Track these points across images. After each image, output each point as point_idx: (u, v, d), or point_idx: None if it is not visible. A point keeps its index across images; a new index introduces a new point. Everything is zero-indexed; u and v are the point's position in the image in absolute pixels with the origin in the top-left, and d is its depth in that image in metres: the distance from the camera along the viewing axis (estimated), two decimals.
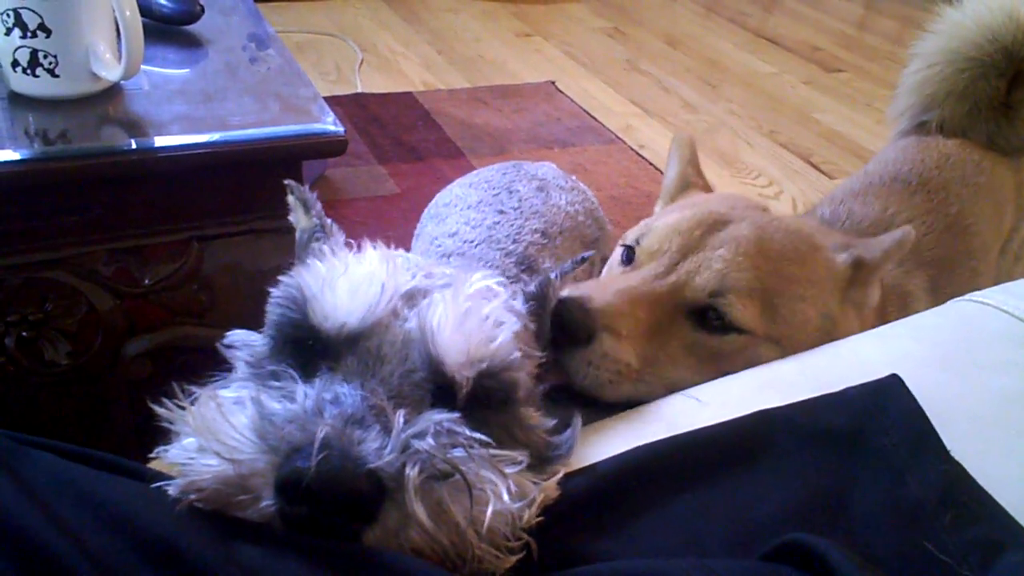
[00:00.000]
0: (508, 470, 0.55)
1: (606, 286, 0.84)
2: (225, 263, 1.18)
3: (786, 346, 0.84)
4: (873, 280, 0.92)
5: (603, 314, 0.80)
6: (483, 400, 0.61)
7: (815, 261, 0.89)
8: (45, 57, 1.05)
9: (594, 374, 0.79)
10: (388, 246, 0.70)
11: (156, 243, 1.14)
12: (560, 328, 0.78)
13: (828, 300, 0.88)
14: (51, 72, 1.07)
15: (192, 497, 0.49)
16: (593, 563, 0.53)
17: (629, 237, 0.94)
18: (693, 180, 1.10)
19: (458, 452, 0.53)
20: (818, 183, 2.84)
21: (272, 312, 0.66)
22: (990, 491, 0.58)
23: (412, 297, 0.62)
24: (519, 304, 0.70)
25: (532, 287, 0.75)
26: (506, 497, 0.53)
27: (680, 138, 1.14)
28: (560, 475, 0.60)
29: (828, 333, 0.86)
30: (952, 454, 0.60)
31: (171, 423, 0.55)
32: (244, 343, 0.66)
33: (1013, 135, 1.40)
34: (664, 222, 0.91)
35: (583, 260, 0.80)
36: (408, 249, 1.25)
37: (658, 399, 0.80)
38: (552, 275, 0.76)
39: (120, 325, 1.15)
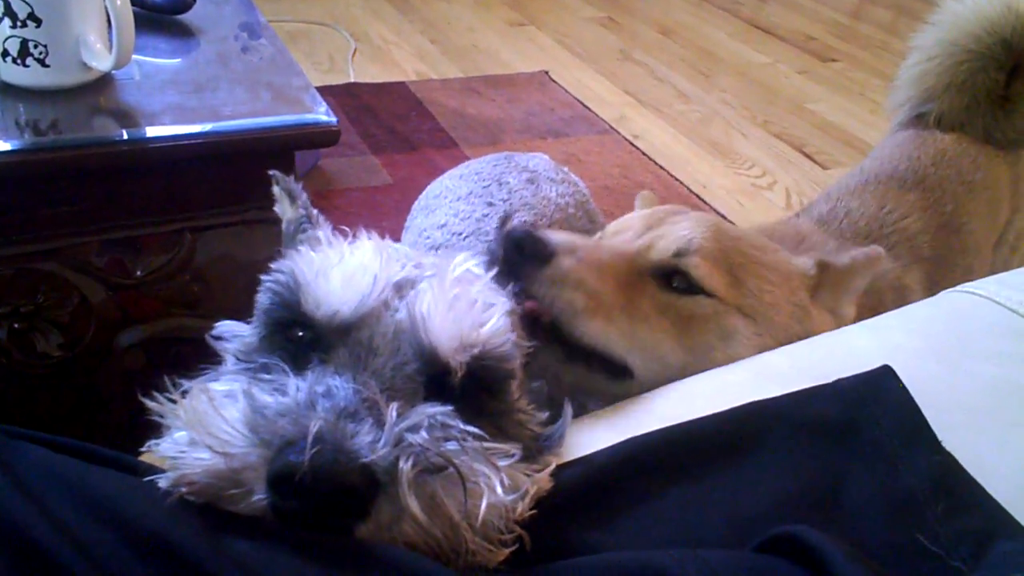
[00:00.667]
0: (501, 463, 0.55)
1: (569, 233, 0.86)
2: (218, 254, 1.18)
3: (760, 323, 0.84)
4: (843, 287, 0.92)
5: (562, 243, 0.81)
6: (478, 387, 0.61)
7: (775, 256, 0.90)
8: (35, 47, 1.05)
9: (565, 294, 0.78)
10: (382, 237, 0.70)
11: (148, 234, 1.13)
12: (518, 250, 0.77)
13: (796, 291, 0.88)
14: (41, 62, 1.06)
15: (183, 490, 0.49)
16: (587, 554, 0.54)
17: (595, 237, 0.96)
18: None
19: (451, 445, 0.53)
20: (812, 173, 2.84)
21: (263, 298, 0.65)
22: (982, 482, 0.59)
23: (402, 288, 0.62)
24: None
25: (487, 256, 0.75)
26: (499, 490, 0.53)
27: (643, 195, 1.18)
28: (553, 467, 0.60)
29: (802, 323, 0.86)
30: (944, 445, 0.61)
31: (162, 417, 0.55)
32: (233, 334, 0.66)
33: (1010, 128, 1.41)
34: (627, 215, 0.94)
35: (506, 219, 0.82)
36: (399, 240, 1.25)
37: (640, 367, 0.80)
38: (492, 241, 0.78)
39: (113, 316, 1.15)
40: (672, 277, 0.83)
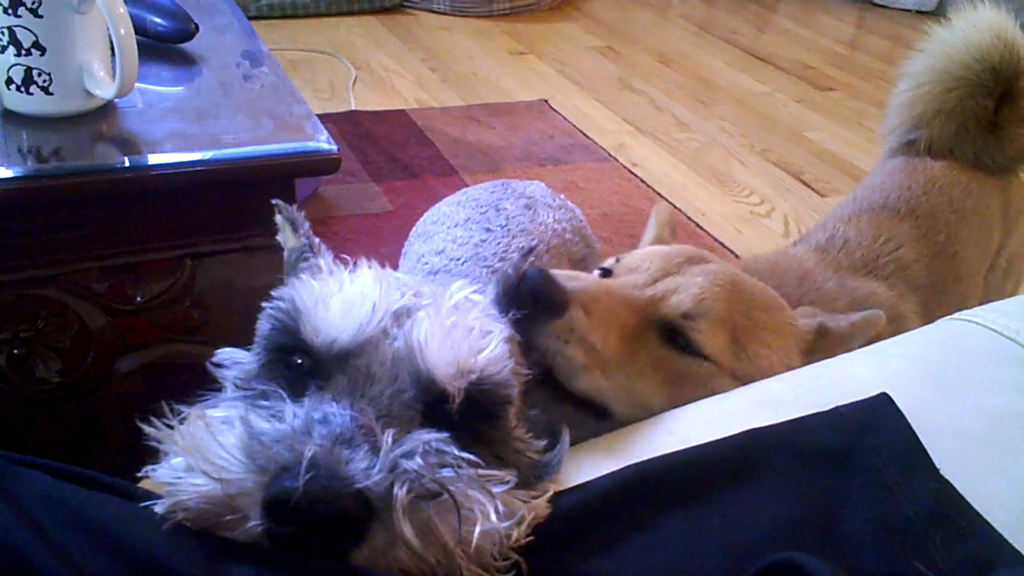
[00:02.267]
0: (496, 489, 0.55)
1: (584, 276, 0.85)
2: (218, 280, 1.18)
3: None
4: (838, 350, 0.91)
5: (576, 293, 0.80)
6: (475, 414, 0.61)
7: (781, 316, 0.91)
8: (39, 75, 1.06)
9: (567, 352, 0.78)
10: (382, 265, 0.70)
11: (149, 260, 1.14)
12: (532, 298, 0.76)
13: (792, 356, 0.89)
14: (45, 90, 1.07)
15: (179, 516, 0.49)
16: None
17: (608, 261, 0.95)
18: (667, 242, 1.12)
19: (446, 472, 0.53)
20: (810, 201, 2.85)
21: (263, 325, 0.66)
22: (980, 509, 0.59)
23: (400, 316, 0.62)
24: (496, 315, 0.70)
25: (496, 288, 0.75)
26: (494, 517, 0.53)
27: (659, 208, 1.16)
28: (550, 493, 0.60)
29: None
30: (942, 472, 0.61)
31: (159, 442, 0.55)
32: (233, 361, 0.66)
33: (999, 154, 1.41)
34: (645, 248, 0.92)
35: (530, 251, 0.81)
36: (397, 267, 1.25)
37: (623, 415, 0.80)
38: (509, 270, 0.77)
39: (112, 342, 1.15)
40: (676, 333, 0.83)
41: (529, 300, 0.76)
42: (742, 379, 0.84)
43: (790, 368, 0.87)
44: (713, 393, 0.82)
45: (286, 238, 0.79)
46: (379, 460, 0.50)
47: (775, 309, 0.91)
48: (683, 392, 0.82)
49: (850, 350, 0.91)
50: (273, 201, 0.79)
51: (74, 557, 0.42)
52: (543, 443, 0.66)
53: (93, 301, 1.12)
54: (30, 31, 1.03)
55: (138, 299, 1.14)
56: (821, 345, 0.91)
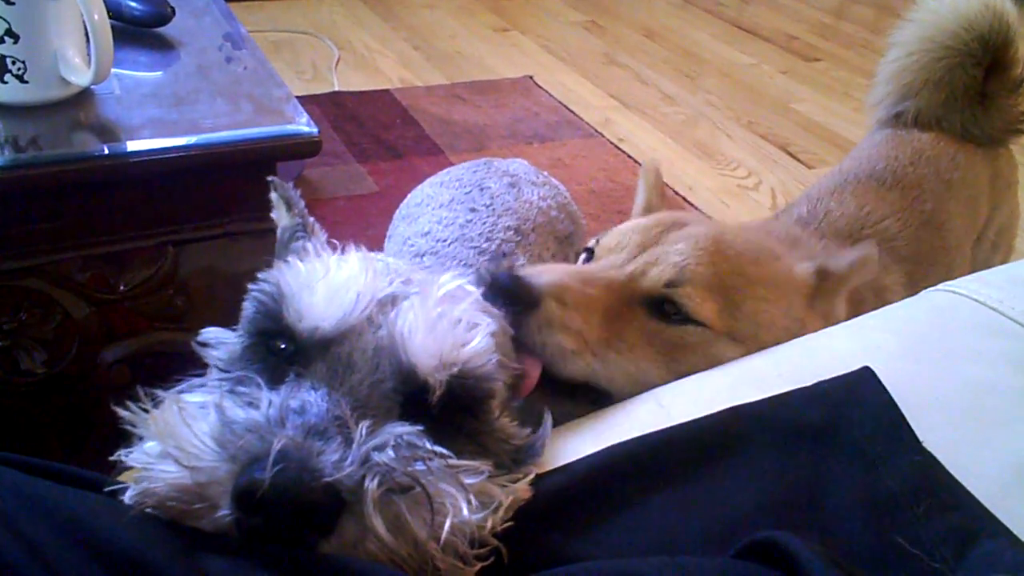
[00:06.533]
0: (470, 480, 0.55)
1: (556, 269, 0.84)
2: (201, 267, 1.18)
3: (750, 347, 0.83)
4: (840, 292, 0.91)
5: (547, 286, 0.79)
6: (457, 406, 0.61)
7: (775, 266, 0.89)
8: (13, 63, 1.04)
9: (552, 339, 0.78)
10: (370, 248, 0.70)
11: (131, 248, 1.13)
12: (504, 298, 0.76)
13: (793, 304, 0.87)
14: (20, 78, 1.06)
15: (148, 503, 0.49)
16: (568, 563, 0.53)
17: (591, 242, 0.94)
18: (656, 206, 1.10)
19: (418, 466, 0.53)
20: (797, 173, 2.85)
21: (248, 306, 0.65)
22: (963, 482, 0.59)
23: (386, 304, 0.61)
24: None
25: (478, 279, 0.75)
26: (465, 511, 0.53)
27: (646, 167, 1.13)
28: (531, 476, 0.60)
29: (795, 335, 0.85)
30: (925, 445, 0.61)
31: (134, 426, 0.55)
32: (219, 341, 0.66)
33: (988, 125, 1.41)
34: (624, 224, 0.91)
35: (501, 259, 0.81)
36: (382, 249, 1.25)
37: (624, 395, 0.79)
38: (485, 267, 0.77)
39: (96, 332, 1.15)
40: (663, 303, 0.83)
41: (502, 301, 0.75)
42: (741, 339, 0.83)
43: (797, 319, 0.87)
44: (712, 358, 0.81)
45: (280, 216, 0.78)
46: (351, 452, 0.50)
47: (767, 260, 0.89)
48: (680, 362, 0.82)
49: (847, 290, 0.91)
50: (269, 178, 0.79)
51: (45, 552, 0.42)
52: (527, 431, 0.66)
53: (75, 291, 1.11)
54: (3, 19, 1.01)
55: (121, 288, 1.13)
56: (823, 288, 0.90)
